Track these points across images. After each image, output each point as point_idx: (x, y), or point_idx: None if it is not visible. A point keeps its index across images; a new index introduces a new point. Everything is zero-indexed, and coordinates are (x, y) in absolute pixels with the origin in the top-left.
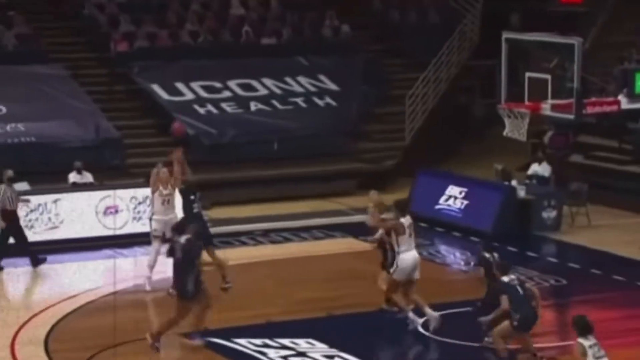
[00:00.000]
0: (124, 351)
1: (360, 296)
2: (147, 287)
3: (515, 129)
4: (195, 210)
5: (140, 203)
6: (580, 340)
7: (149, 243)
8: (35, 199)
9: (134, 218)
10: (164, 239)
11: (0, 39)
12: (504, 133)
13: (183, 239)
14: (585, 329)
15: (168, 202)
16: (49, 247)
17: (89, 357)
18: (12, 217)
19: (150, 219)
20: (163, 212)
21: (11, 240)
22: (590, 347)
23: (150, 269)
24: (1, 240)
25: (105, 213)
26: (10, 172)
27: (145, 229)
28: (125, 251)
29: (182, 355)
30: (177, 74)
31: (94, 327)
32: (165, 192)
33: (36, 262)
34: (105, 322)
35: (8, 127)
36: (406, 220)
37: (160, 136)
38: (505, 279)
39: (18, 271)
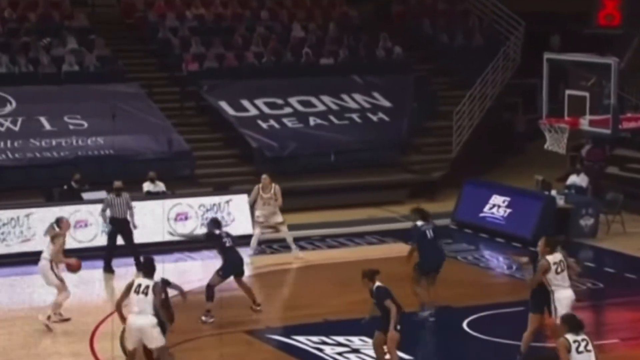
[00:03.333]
0: (190, 347)
1: (410, 297)
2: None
3: (555, 142)
4: (227, 245)
5: (208, 210)
6: (567, 336)
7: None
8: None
9: (202, 224)
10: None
11: (83, 61)
12: (545, 146)
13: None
14: (576, 327)
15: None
16: (126, 251)
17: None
18: (122, 224)
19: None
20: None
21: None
22: (575, 341)
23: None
24: (111, 244)
25: (176, 219)
26: (117, 183)
27: None
28: (194, 255)
29: (245, 351)
30: (242, 92)
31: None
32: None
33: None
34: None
35: (89, 141)
36: None
37: (226, 149)
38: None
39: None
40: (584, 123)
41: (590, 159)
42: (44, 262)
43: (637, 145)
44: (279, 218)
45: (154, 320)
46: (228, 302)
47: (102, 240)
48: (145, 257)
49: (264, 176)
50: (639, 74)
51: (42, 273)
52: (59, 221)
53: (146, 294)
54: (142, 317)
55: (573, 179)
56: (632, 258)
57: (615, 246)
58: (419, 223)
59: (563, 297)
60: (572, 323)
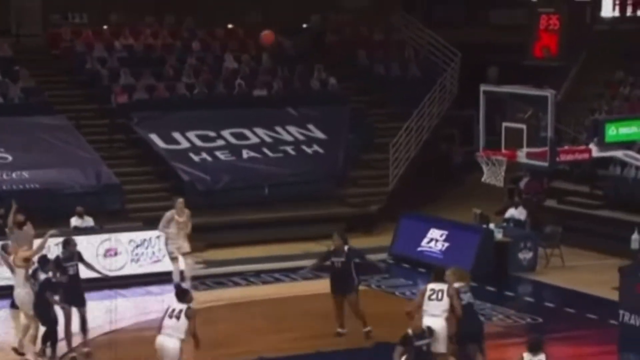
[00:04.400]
0: None
1: (348, 334)
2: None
3: (492, 175)
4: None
5: (138, 246)
6: (525, 355)
7: (146, 284)
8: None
9: (132, 260)
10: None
11: (7, 92)
12: (482, 179)
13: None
14: (535, 347)
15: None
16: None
17: None
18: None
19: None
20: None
21: None
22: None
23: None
24: None
25: (105, 255)
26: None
27: (143, 270)
28: (124, 292)
29: None
30: (173, 124)
31: None
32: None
33: None
34: (106, 358)
35: (14, 175)
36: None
37: (157, 182)
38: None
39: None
40: (521, 156)
41: (528, 192)
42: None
43: (575, 177)
44: (186, 247)
45: (178, 344)
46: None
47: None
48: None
49: (179, 200)
50: (575, 106)
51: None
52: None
53: (178, 318)
54: (169, 340)
55: (511, 212)
56: (572, 292)
57: (554, 280)
58: (457, 285)
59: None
60: (533, 343)
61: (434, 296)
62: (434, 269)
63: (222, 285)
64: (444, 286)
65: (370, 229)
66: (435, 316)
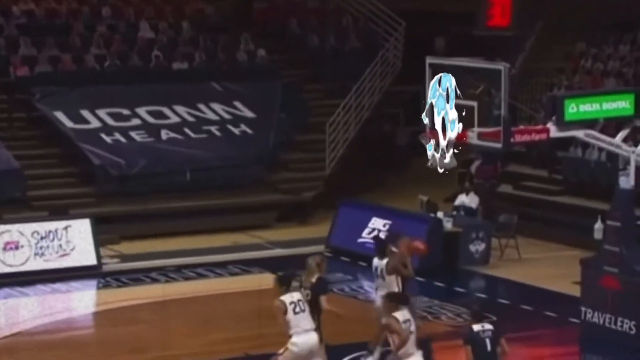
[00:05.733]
0: None
1: (278, 335)
2: None
3: (439, 159)
4: None
5: (43, 238)
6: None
7: (52, 280)
8: None
9: (36, 254)
10: None
11: None
12: (428, 164)
13: None
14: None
15: None
16: None
17: None
18: None
19: None
20: None
21: None
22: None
23: None
24: None
25: (5, 249)
26: None
27: (49, 265)
28: (26, 289)
29: None
30: (82, 101)
31: None
32: None
33: None
34: None
35: None
36: None
37: (64, 167)
38: (476, 327)
39: None
40: (472, 136)
41: (481, 177)
42: None
43: (532, 160)
44: None
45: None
46: (54, 343)
47: None
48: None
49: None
50: (532, 81)
51: None
52: None
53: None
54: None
55: (462, 199)
56: (529, 287)
57: (509, 274)
58: (476, 328)
59: (302, 341)
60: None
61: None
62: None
63: (138, 282)
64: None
65: (304, 218)
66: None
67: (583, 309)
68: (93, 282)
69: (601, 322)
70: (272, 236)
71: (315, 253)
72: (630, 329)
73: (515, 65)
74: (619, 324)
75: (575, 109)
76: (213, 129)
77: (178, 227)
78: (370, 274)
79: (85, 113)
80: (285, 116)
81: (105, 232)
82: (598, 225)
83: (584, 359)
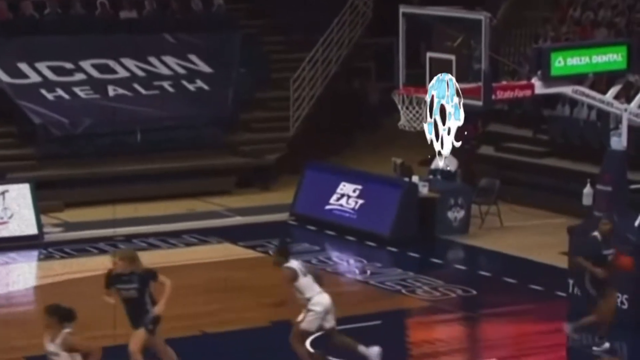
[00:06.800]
0: None
1: (239, 310)
2: None
3: (412, 118)
4: None
5: None
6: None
7: None
8: None
9: None
10: None
11: None
12: (399, 124)
13: None
14: (284, 252)
15: None
16: None
17: None
18: None
19: None
20: None
21: None
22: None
23: None
24: None
25: None
26: None
27: None
28: None
29: None
30: (19, 53)
31: None
32: None
33: None
34: None
35: None
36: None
37: (1, 126)
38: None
39: None
40: None
41: (459, 137)
42: None
43: (516, 119)
44: None
45: None
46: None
47: None
48: None
49: None
50: (515, 32)
51: None
52: None
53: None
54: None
55: (438, 162)
56: (511, 258)
57: (490, 244)
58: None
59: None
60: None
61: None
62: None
63: (84, 252)
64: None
65: (267, 183)
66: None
67: (571, 281)
68: (34, 253)
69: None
70: (231, 203)
71: None
72: (622, 303)
73: (497, 15)
74: None
75: (563, 62)
76: (165, 84)
77: (127, 193)
78: (339, 244)
79: (24, 66)
80: (245, 71)
81: (47, 199)
82: (587, 190)
83: (572, 335)
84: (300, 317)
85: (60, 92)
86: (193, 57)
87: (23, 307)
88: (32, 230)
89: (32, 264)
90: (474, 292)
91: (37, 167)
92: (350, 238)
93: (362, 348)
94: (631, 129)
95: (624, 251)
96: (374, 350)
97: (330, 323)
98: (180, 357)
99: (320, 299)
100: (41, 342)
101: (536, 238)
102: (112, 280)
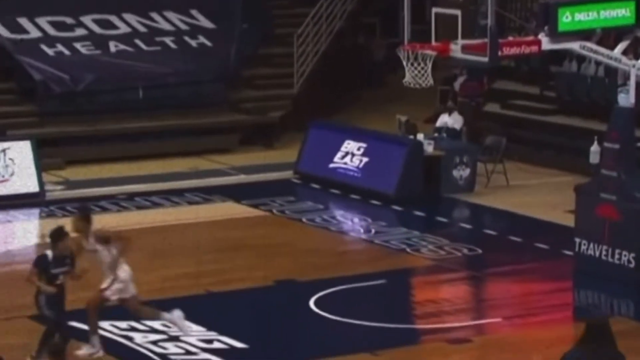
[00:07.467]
0: None
1: (243, 270)
2: None
3: (417, 75)
4: None
5: None
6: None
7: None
8: None
9: None
10: None
11: None
12: (404, 81)
13: None
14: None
15: None
16: None
17: None
18: None
19: None
20: None
21: None
22: None
23: None
24: None
25: None
26: None
27: None
28: None
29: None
30: (18, 7)
31: None
32: None
33: None
34: None
35: None
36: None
37: (1, 82)
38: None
39: None
40: (456, 49)
41: (465, 95)
42: None
43: (522, 76)
44: None
45: None
46: (2, 279)
47: None
48: None
49: None
50: None
51: None
52: None
53: None
54: None
55: (444, 119)
56: (517, 217)
57: (496, 202)
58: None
59: None
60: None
61: None
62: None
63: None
64: None
65: (270, 141)
66: None
67: (577, 240)
68: (35, 211)
69: (597, 254)
70: (234, 161)
71: None
72: (629, 261)
73: None
74: (616, 256)
75: (570, 17)
76: (168, 40)
77: (130, 151)
78: (343, 203)
79: (23, 21)
80: (248, 27)
81: (48, 156)
82: (594, 147)
83: (579, 294)
84: (104, 284)
85: (61, 47)
86: (195, 12)
87: (24, 265)
88: (34, 188)
89: (33, 222)
90: (479, 251)
91: (38, 124)
92: (355, 196)
93: (165, 315)
94: (639, 85)
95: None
96: (176, 313)
97: (129, 293)
98: (186, 315)
99: (124, 268)
100: None
101: (542, 196)
102: None
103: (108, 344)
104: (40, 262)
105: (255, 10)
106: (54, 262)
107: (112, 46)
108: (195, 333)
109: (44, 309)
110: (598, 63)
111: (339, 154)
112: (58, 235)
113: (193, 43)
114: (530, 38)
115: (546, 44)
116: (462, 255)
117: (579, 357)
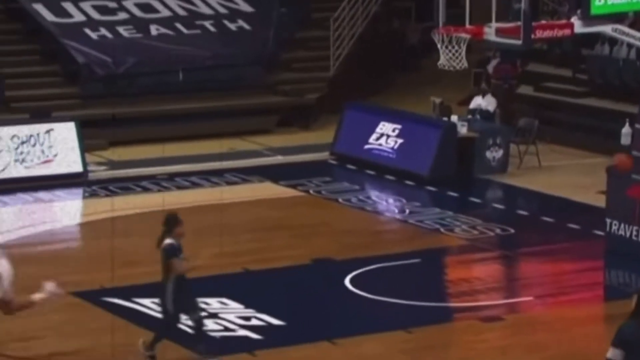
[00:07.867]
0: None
1: (280, 249)
2: None
3: (452, 58)
4: None
5: (23, 143)
6: None
7: (34, 189)
8: None
9: (16, 160)
10: None
11: None
12: (439, 63)
13: None
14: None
15: None
16: None
17: None
18: None
19: None
20: None
21: None
22: None
23: None
24: None
25: None
26: None
27: (30, 172)
28: (6, 198)
29: (77, 318)
30: None
31: None
32: None
33: None
34: None
35: None
36: None
37: (45, 65)
38: None
39: None
40: (490, 32)
41: (499, 77)
42: None
43: (555, 59)
44: None
45: None
46: (37, 257)
47: None
48: None
49: None
50: None
51: None
52: None
53: None
54: None
55: (478, 101)
56: (549, 197)
57: (529, 183)
58: None
59: None
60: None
61: None
62: None
63: (128, 190)
64: None
65: (307, 122)
66: None
67: (608, 220)
68: (78, 191)
69: (628, 234)
70: (272, 142)
71: None
72: (635, 235)
73: None
74: None
75: (603, 1)
76: (207, 24)
77: (170, 132)
78: (378, 183)
79: (68, 5)
80: (286, 10)
81: (91, 137)
82: (626, 129)
83: (609, 274)
84: None
85: (103, 31)
86: None
87: (68, 243)
88: (77, 168)
89: (77, 202)
90: (512, 231)
91: (82, 106)
92: (390, 177)
93: (36, 295)
94: None
95: None
96: (49, 285)
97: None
98: (223, 293)
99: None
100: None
101: (574, 178)
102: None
103: (150, 321)
104: (174, 251)
105: None
106: (179, 249)
107: (153, 30)
108: (233, 310)
109: (168, 301)
110: (630, 46)
111: (374, 136)
112: (175, 221)
113: (232, 27)
114: (563, 21)
115: (579, 27)
116: (495, 235)
117: (636, 327)
